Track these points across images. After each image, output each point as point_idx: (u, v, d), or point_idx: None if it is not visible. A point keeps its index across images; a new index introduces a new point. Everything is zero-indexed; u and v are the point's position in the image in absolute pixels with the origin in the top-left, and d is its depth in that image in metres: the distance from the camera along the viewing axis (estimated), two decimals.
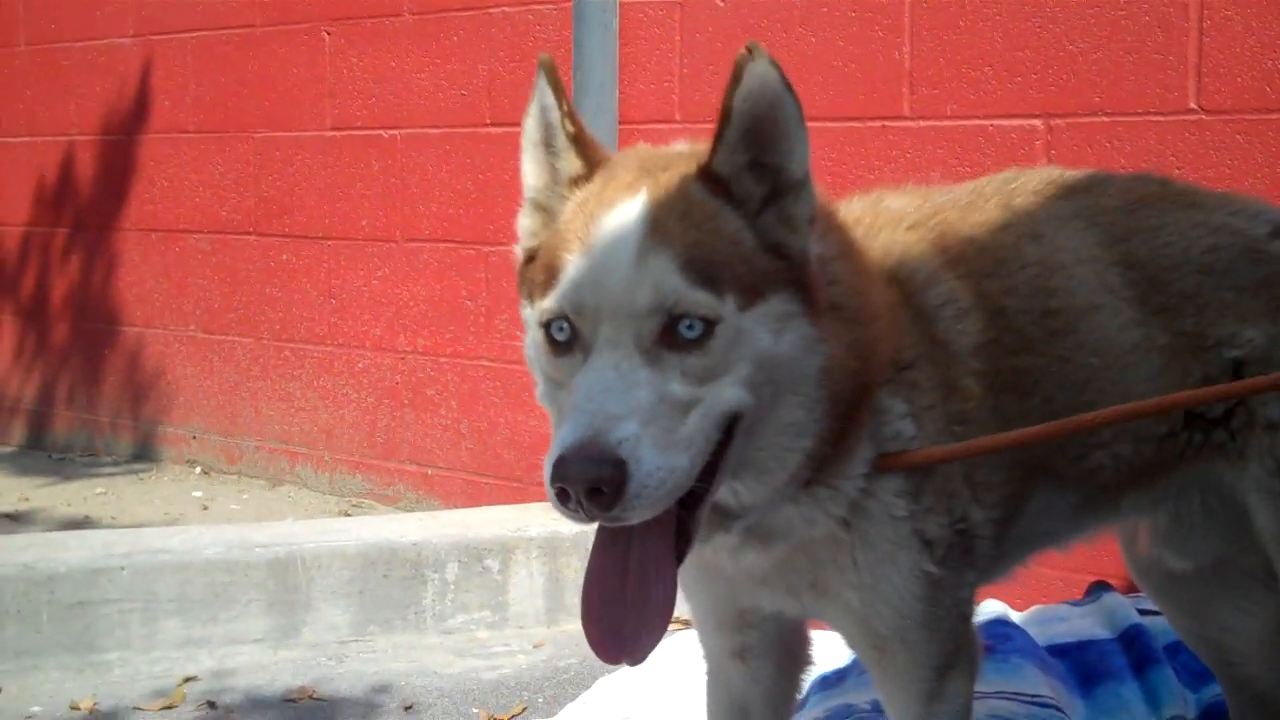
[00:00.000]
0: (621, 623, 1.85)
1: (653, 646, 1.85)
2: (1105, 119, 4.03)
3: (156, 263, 6.51)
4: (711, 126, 1.93)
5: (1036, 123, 4.14)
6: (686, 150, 2.05)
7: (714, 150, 1.92)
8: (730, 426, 1.85)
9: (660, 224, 1.86)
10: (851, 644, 2.23)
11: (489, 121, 5.36)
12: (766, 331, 1.86)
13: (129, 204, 6.61)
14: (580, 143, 2.02)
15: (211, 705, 3.84)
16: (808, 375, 1.90)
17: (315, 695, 3.91)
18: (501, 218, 5.29)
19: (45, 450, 6.86)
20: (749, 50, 1.87)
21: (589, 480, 1.71)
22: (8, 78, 7.12)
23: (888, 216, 2.28)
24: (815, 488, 2.00)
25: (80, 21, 6.79)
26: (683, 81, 4.86)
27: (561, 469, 1.72)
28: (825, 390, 1.92)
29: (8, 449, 7.03)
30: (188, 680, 4.01)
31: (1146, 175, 2.60)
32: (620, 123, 4.90)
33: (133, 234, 6.60)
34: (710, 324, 1.81)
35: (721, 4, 4.75)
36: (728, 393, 1.83)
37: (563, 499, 1.74)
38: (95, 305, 6.77)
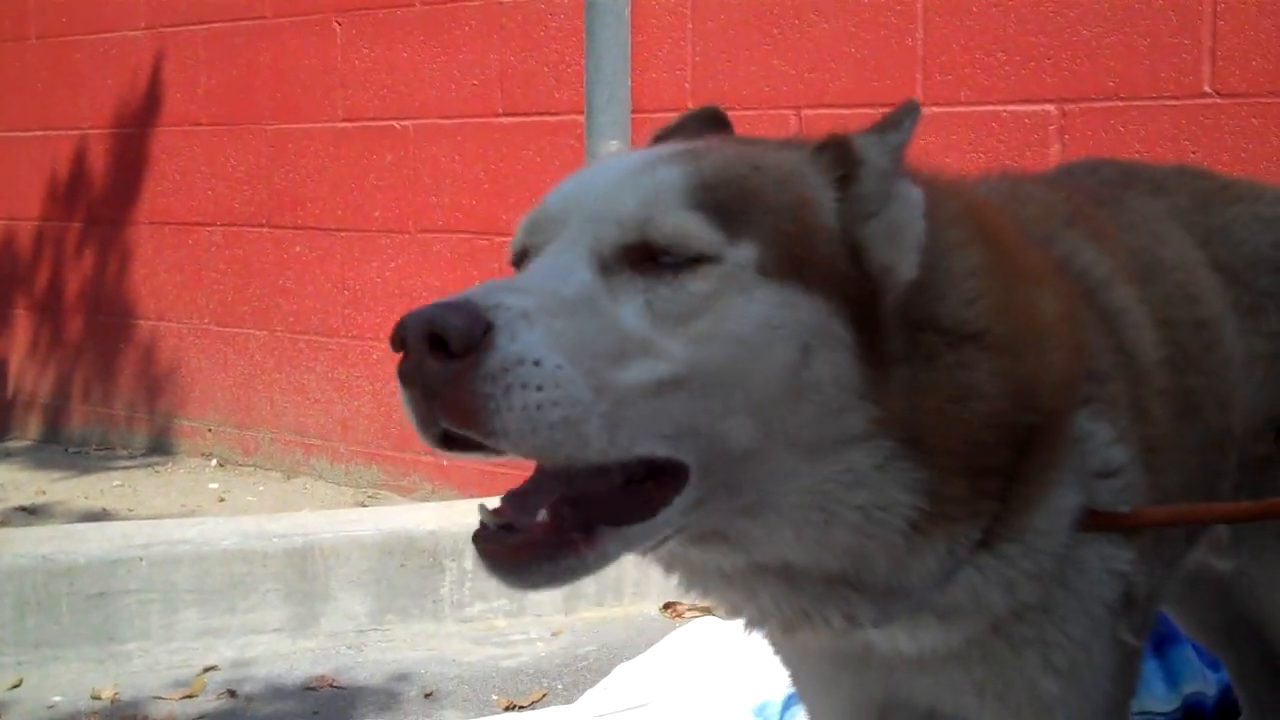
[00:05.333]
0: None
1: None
2: (1119, 104, 4.03)
3: (170, 256, 6.53)
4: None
5: (1050, 108, 4.14)
6: None
7: (872, 129, 1.52)
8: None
9: (701, 150, 1.43)
10: None
11: (501, 112, 5.36)
12: (781, 319, 1.37)
13: (142, 197, 6.63)
14: None
15: (232, 694, 3.85)
16: (830, 418, 1.42)
17: (335, 684, 3.92)
18: (515, 208, 5.29)
19: (61, 444, 6.89)
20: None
21: (429, 321, 1.22)
22: (19, 72, 7.13)
23: (1039, 208, 1.88)
24: (999, 545, 1.56)
25: (91, 14, 6.80)
26: (695, 69, 4.85)
27: (403, 318, 1.26)
28: (892, 441, 1.45)
29: (24, 443, 7.06)
30: (208, 670, 4.02)
31: (1188, 168, 2.39)
32: (634, 111, 4.90)
33: (146, 227, 6.61)
34: (699, 258, 1.36)
35: None
36: (690, 354, 1.33)
37: (402, 365, 1.26)
38: (109, 299, 6.78)
